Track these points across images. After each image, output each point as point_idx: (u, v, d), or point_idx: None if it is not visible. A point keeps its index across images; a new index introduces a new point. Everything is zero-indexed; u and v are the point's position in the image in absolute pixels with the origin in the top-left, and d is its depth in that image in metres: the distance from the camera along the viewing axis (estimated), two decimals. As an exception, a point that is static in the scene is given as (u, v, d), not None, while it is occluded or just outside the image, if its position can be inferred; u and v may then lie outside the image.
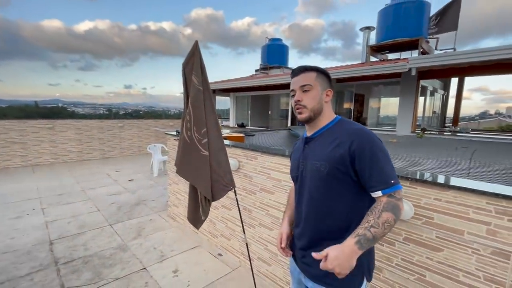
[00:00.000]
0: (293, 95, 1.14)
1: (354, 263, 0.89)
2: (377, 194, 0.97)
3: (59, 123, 7.76)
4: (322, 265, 0.90)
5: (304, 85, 1.10)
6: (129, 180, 5.97)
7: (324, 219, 1.08)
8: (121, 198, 4.77)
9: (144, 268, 2.68)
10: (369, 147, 0.98)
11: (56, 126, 7.70)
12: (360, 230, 0.92)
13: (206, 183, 1.85)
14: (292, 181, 1.33)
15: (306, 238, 1.15)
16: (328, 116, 1.14)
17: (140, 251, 3.00)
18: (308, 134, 1.19)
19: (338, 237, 1.01)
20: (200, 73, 1.77)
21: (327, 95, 1.13)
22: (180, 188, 3.73)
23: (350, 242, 0.90)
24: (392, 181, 0.96)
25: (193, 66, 1.78)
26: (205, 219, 2.00)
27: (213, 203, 3.16)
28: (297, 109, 1.12)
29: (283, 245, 1.27)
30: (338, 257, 0.88)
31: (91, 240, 3.22)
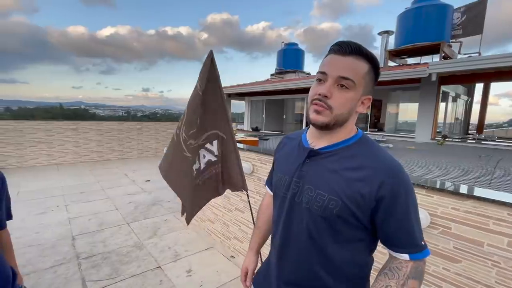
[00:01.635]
0: (320, 81, 0.76)
1: None
2: (403, 257, 0.74)
3: (82, 125, 8.16)
4: None
5: (345, 78, 0.72)
6: (146, 181, 6.15)
7: (321, 266, 0.80)
8: (138, 198, 4.93)
9: (159, 267, 2.76)
10: (405, 197, 0.72)
11: (79, 127, 8.09)
12: None
13: (186, 189, 1.73)
14: (270, 192, 1.04)
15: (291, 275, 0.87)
16: (349, 129, 0.80)
17: (155, 250, 3.09)
18: (313, 144, 0.83)
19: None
20: (204, 79, 1.75)
21: (363, 102, 0.77)
22: (195, 190, 3.82)
23: None
24: (423, 243, 0.75)
25: (200, 72, 1.80)
26: (190, 216, 1.81)
27: (227, 206, 3.21)
28: (316, 105, 0.75)
29: (247, 283, 1.07)
30: None
31: (109, 237, 3.36)
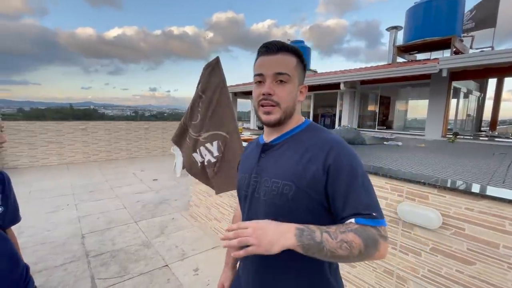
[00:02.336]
0: (260, 82, 0.80)
1: (278, 246, 0.64)
2: (348, 220, 0.70)
3: (91, 125, 8.29)
4: (238, 225, 0.68)
5: (281, 73, 0.77)
6: (153, 180, 6.21)
7: (287, 261, 0.77)
8: (145, 197, 4.98)
9: (167, 265, 2.78)
10: (348, 163, 0.73)
11: (88, 127, 8.22)
12: (312, 226, 0.68)
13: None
14: (238, 202, 1.03)
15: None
16: (296, 119, 0.85)
17: (163, 249, 3.11)
18: (266, 139, 0.89)
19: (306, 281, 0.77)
20: (204, 83, 1.88)
21: (301, 92, 0.84)
22: (202, 189, 3.82)
23: (291, 225, 0.67)
24: (374, 214, 0.69)
25: (204, 76, 1.91)
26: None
27: (233, 205, 3.21)
28: (264, 105, 0.79)
29: None
30: (266, 227, 0.66)
31: (118, 236, 3.40)
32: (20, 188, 5.16)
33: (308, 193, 0.73)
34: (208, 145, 1.82)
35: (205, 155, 1.84)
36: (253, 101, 0.83)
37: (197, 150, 1.88)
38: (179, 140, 2.19)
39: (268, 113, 0.79)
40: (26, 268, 1.13)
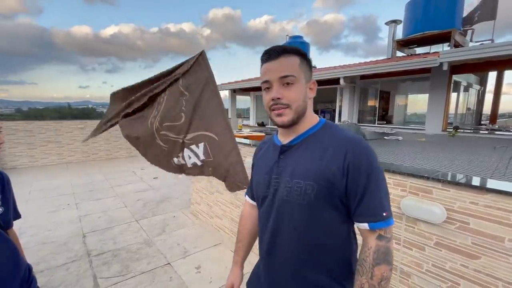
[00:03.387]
0: (268, 89, 0.83)
1: None
2: (363, 226, 0.76)
3: (89, 124, 8.25)
4: None
5: (286, 76, 0.79)
6: (154, 178, 6.20)
7: (316, 257, 0.82)
8: (146, 195, 4.97)
9: (169, 263, 2.77)
10: (368, 162, 0.76)
11: (87, 126, 8.18)
12: None
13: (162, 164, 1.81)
14: (250, 201, 1.08)
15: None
16: (311, 118, 0.87)
17: (165, 247, 3.10)
18: (283, 140, 0.89)
19: (337, 276, 0.82)
20: (189, 79, 1.61)
21: (310, 88, 0.85)
22: (203, 186, 3.81)
23: None
24: (385, 214, 0.75)
25: (188, 70, 1.66)
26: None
27: (234, 202, 3.20)
28: (275, 109, 0.82)
29: None
30: None
31: (119, 235, 3.39)
32: (20, 188, 5.14)
33: (330, 190, 0.76)
34: (193, 147, 1.63)
35: (190, 157, 1.65)
36: (265, 107, 0.86)
37: (180, 154, 1.67)
38: (142, 149, 1.84)
39: (280, 115, 0.81)
40: (29, 268, 1.12)
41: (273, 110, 0.82)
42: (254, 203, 1.06)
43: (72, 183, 5.70)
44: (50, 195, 4.85)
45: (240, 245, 1.11)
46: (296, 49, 0.83)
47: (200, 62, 1.60)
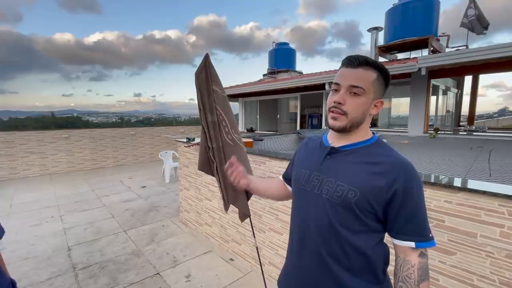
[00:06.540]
0: (335, 90, 0.87)
1: None
2: (408, 244, 0.80)
3: (75, 133, 8.05)
4: None
5: (356, 86, 0.82)
6: (142, 187, 6.10)
7: (344, 255, 0.85)
8: (134, 205, 4.89)
9: (158, 273, 2.74)
10: (417, 191, 0.80)
11: (72, 135, 7.98)
12: None
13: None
14: (284, 182, 1.17)
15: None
16: (365, 131, 0.90)
17: (154, 257, 3.06)
18: (333, 143, 0.92)
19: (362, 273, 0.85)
20: (219, 81, 1.84)
21: (375, 106, 0.87)
22: (192, 194, 3.79)
23: None
24: (430, 235, 0.81)
25: (211, 76, 1.82)
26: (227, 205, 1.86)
27: (222, 208, 3.20)
28: (333, 112, 0.86)
29: (235, 174, 1.16)
30: None
31: (106, 246, 3.32)
32: (0, 202, 4.95)
33: (370, 202, 0.80)
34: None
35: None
36: (326, 106, 0.90)
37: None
38: (208, 166, 1.95)
39: (334, 118, 0.86)
40: (12, 283, 1.09)
41: (332, 112, 0.86)
42: (286, 185, 1.17)
43: (57, 194, 5.54)
44: (33, 208, 4.69)
45: (261, 179, 1.27)
46: (378, 64, 0.84)
47: (205, 63, 1.78)
